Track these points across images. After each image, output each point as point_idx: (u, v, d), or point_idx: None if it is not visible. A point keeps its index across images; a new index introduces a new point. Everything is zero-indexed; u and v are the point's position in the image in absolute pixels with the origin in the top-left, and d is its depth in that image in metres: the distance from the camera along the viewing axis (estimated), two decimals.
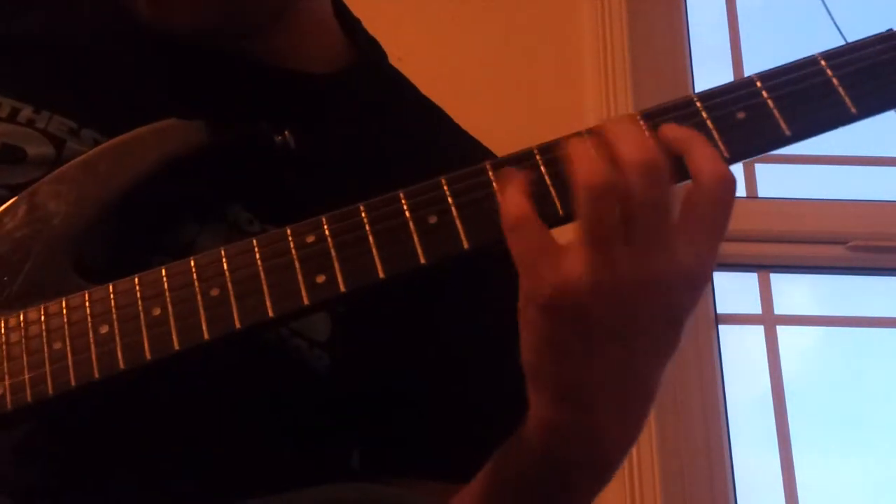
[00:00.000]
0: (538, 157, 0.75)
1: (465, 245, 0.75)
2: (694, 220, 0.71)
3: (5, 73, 0.97)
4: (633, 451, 1.96)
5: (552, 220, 0.74)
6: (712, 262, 0.72)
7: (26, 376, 0.78)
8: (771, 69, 0.77)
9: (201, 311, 0.77)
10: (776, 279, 2.24)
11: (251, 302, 0.76)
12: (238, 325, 0.76)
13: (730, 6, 2.46)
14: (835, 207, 2.26)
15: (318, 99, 1.00)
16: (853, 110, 0.75)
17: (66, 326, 0.79)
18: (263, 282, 0.76)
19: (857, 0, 2.44)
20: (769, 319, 2.20)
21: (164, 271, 0.79)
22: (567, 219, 0.74)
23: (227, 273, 0.77)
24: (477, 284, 0.90)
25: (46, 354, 0.78)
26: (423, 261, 0.75)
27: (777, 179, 2.33)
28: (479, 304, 0.94)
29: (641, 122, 0.76)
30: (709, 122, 0.75)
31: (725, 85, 0.77)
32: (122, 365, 0.77)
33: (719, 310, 2.19)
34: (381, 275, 0.75)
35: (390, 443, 0.95)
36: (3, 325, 0.80)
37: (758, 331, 2.19)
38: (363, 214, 0.77)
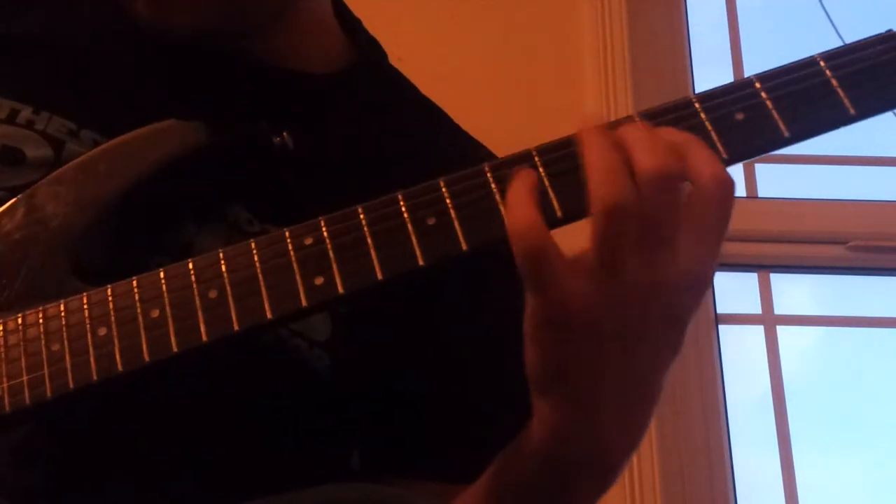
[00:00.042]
0: (537, 158, 0.75)
1: (464, 246, 0.74)
2: (694, 222, 0.71)
3: (5, 74, 0.97)
4: None
5: (550, 222, 0.73)
6: (713, 263, 0.72)
7: (24, 378, 0.78)
8: (770, 70, 0.77)
9: (199, 313, 0.76)
10: (776, 279, 2.24)
11: (249, 304, 0.76)
12: (236, 327, 0.76)
13: (730, 6, 2.46)
14: (835, 207, 2.26)
15: (318, 99, 1.00)
16: (852, 111, 0.75)
17: (64, 328, 0.79)
18: (262, 283, 0.76)
19: (857, 0, 2.44)
20: (769, 319, 2.20)
21: (162, 273, 0.79)
22: (566, 220, 0.74)
23: (225, 275, 0.77)
24: (476, 285, 0.90)
25: (45, 356, 0.78)
26: (421, 262, 0.75)
27: (777, 179, 2.33)
28: (478, 304, 0.94)
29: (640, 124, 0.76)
30: (707, 124, 0.75)
31: (724, 86, 0.77)
32: (120, 367, 0.77)
33: (719, 310, 2.19)
34: (380, 276, 0.75)
35: (390, 443, 0.95)
36: (1, 327, 0.80)
37: (758, 331, 2.19)
38: (361, 216, 0.76)
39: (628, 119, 0.76)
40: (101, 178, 0.87)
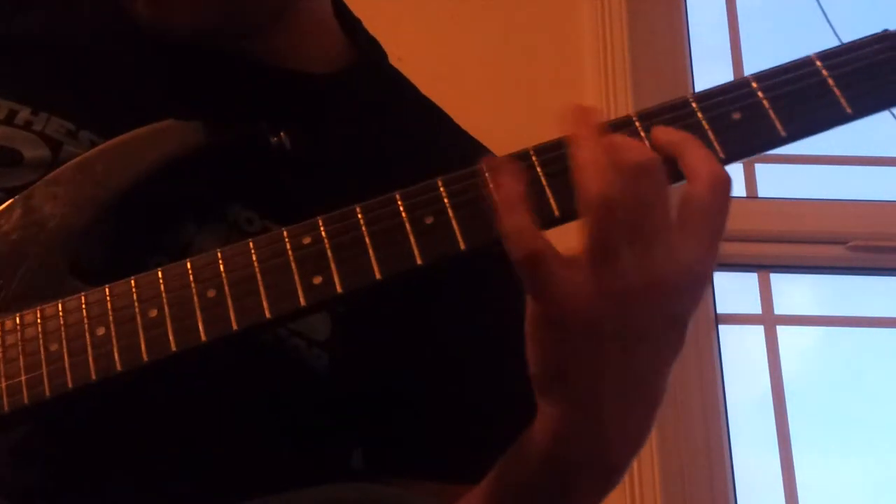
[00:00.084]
0: (534, 157, 0.75)
1: (462, 245, 0.75)
2: (692, 219, 0.72)
3: (4, 74, 0.97)
4: None
5: (548, 222, 0.74)
6: (712, 261, 0.72)
7: (23, 378, 0.78)
8: (766, 70, 0.77)
9: (198, 313, 0.77)
10: (776, 279, 2.24)
11: (248, 303, 0.76)
12: (235, 327, 0.76)
13: (730, 6, 2.46)
14: (835, 207, 2.26)
15: (318, 99, 1.00)
16: (849, 111, 0.75)
17: (62, 328, 0.79)
18: (260, 283, 0.76)
19: (856, 1, 2.44)
20: (769, 319, 2.20)
21: (160, 273, 0.79)
22: (563, 219, 0.74)
23: (223, 274, 0.77)
24: (475, 284, 0.90)
25: (43, 356, 0.78)
26: (419, 261, 0.75)
27: (777, 179, 2.33)
28: (477, 303, 0.94)
29: (637, 123, 0.76)
30: (704, 123, 0.75)
31: (721, 85, 0.77)
32: (119, 367, 0.77)
33: (719, 310, 2.19)
34: (378, 276, 0.75)
35: (389, 443, 0.95)
36: None
37: (758, 331, 2.19)
38: (359, 215, 0.76)
39: (626, 119, 0.76)
40: (98, 178, 0.87)
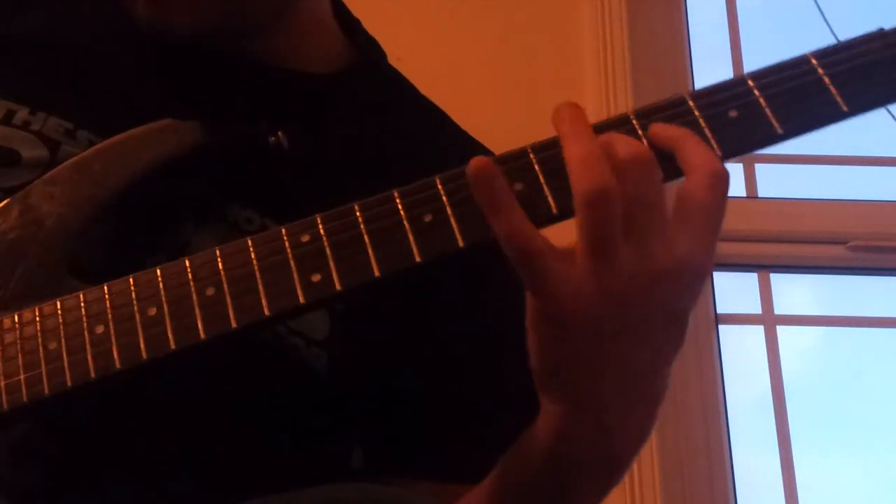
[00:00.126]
0: (532, 155, 0.75)
1: (461, 243, 0.75)
2: (689, 214, 0.71)
3: (4, 74, 0.97)
4: None
5: (547, 219, 0.74)
6: (710, 255, 0.72)
7: (22, 376, 0.78)
8: (763, 68, 0.77)
9: (197, 311, 0.77)
10: (776, 279, 2.24)
11: (247, 301, 0.76)
12: (234, 325, 0.76)
13: (730, 6, 2.46)
14: (835, 207, 2.26)
15: (318, 99, 1.00)
16: (845, 108, 0.75)
17: (61, 327, 0.79)
18: (259, 281, 0.76)
19: (854, 1, 2.44)
20: (769, 319, 2.20)
21: (158, 271, 0.79)
22: (561, 216, 0.74)
23: (222, 272, 0.77)
24: (473, 282, 0.90)
25: (42, 355, 0.78)
26: (418, 259, 0.75)
27: (777, 179, 2.33)
28: (475, 301, 0.94)
29: (634, 121, 0.76)
30: (701, 121, 0.76)
31: (718, 84, 0.77)
32: (118, 365, 0.77)
33: (719, 310, 2.19)
34: (377, 273, 0.75)
35: (389, 441, 0.95)
36: None
37: (758, 331, 2.19)
38: (358, 213, 0.77)
39: (623, 116, 0.76)
40: (96, 177, 0.87)
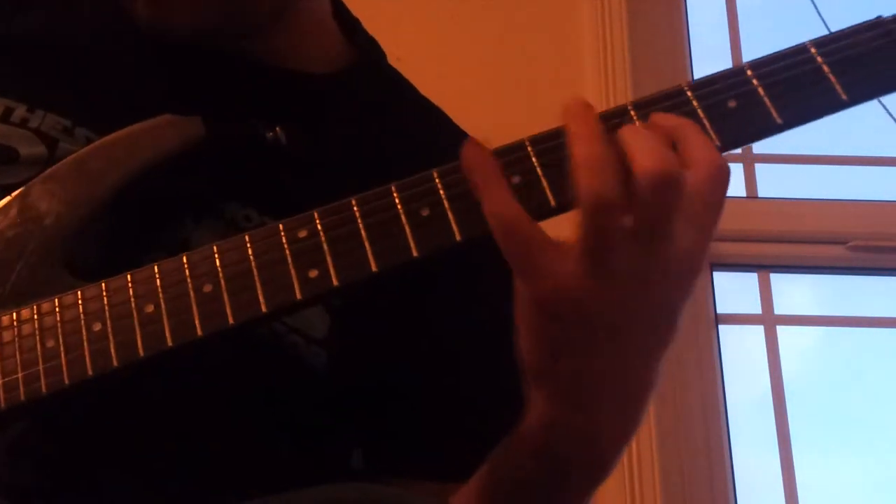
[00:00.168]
0: (530, 148, 0.75)
1: (458, 237, 0.74)
2: (688, 210, 0.70)
3: (3, 73, 0.97)
4: (634, 450, 1.97)
5: (545, 212, 0.73)
6: (705, 251, 0.72)
7: (20, 374, 0.78)
8: (762, 57, 0.77)
9: (194, 308, 0.77)
10: (776, 279, 2.24)
11: (244, 297, 0.76)
12: (231, 321, 0.76)
13: (730, 6, 2.46)
14: (835, 207, 2.26)
15: (318, 99, 1.00)
16: (844, 97, 0.75)
17: (59, 325, 0.79)
18: (256, 277, 0.76)
19: (853, 1, 2.44)
20: (769, 319, 2.20)
21: (156, 268, 0.79)
22: (560, 209, 0.74)
23: (219, 269, 0.77)
24: (471, 277, 0.90)
25: (39, 353, 0.78)
26: (415, 254, 0.75)
27: (777, 179, 2.33)
28: (473, 296, 0.94)
29: (633, 112, 0.75)
30: (700, 111, 0.75)
31: (716, 73, 0.77)
32: (115, 362, 0.77)
33: (719, 310, 2.18)
34: (374, 268, 0.75)
35: (387, 439, 0.95)
36: None
37: (758, 331, 2.19)
38: (355, 208, 0.76)
39: (622, 108, 0.76)
40: (94, 175, 0.87)
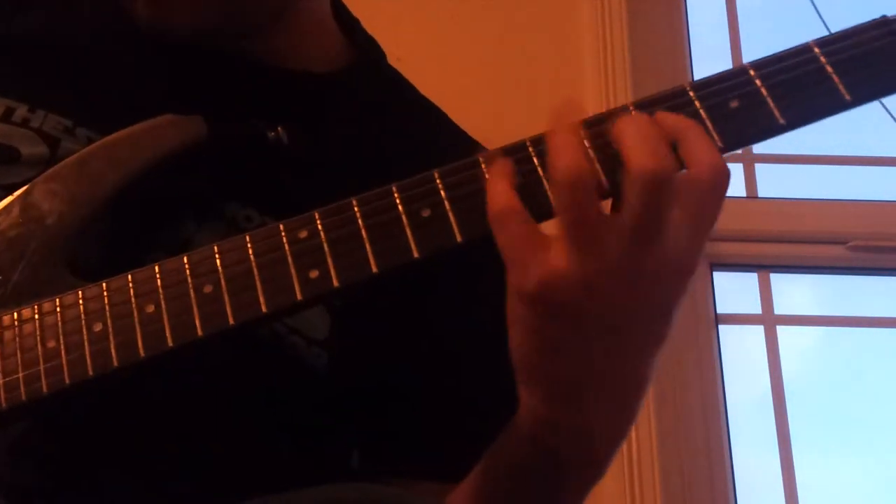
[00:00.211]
0: (531, 149, 0.75)
1: (459, 238, 0.74)
2: (686, 210, 0.70)
3: (4, 73, 0.97)
4: (634, 450, 1.97)
5: (545, 213, 0.73)
6: (700, 251, 0.71)
7: (20, 374, 0.78)
8: (764, 57, 0.76)
9: (195, 308, 0.77)
10: (776, 279, 2.24)
11: (244, 298, 0.76)
12: (232, 321, 0.76)
13: (730, 6, 2.46)
14: (835, 207, 2.26)
15: (318, 99, 1.00)
16: (847, 97, 0.74)
17: (59, 324, 0.79)
18: (256, 277, 0.76)
19: (853, 1, 2.44)
20: (769, 319, 2.20)
21: (156, 268, 0.79)
22: None
23: (220, 269, 0.77)
24: (471, 278, 0.90)
25: (40, 352, 0.78)
26: (416, 255, 0.75)
27: (777, 179, 2.33)
28: (473, 297, 0.93)
29: (634, 113, 0.75)
30: (702, 112, 0.74)
31: (719, 74, 0.76)
32: (115, 362, 0.77)
33: (719, 310, 2.19)
34: (375, 269, 0.75)
35: (387, 440, 0.95)
36: None
37: (758, 331, 2.19)
38: (356, 209, 0.76)
39: (623, 108, 0.76)
40: (95, 175, 0.87)
